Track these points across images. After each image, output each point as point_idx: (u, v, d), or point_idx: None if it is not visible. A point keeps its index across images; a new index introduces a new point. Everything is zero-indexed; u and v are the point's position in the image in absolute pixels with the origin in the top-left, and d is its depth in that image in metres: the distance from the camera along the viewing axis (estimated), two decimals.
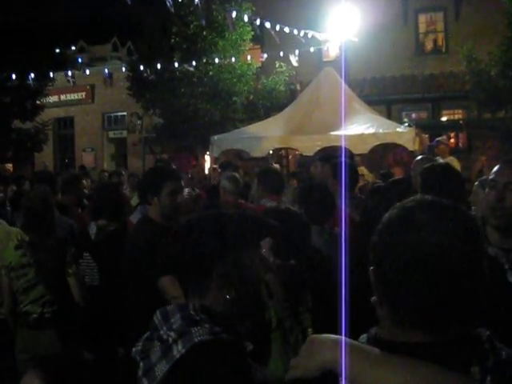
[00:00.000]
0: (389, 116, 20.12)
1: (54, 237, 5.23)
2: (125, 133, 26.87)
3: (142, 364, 1.95)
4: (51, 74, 18.24)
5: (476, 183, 5.18)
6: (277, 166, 19.02)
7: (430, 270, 1.40)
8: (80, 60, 25.27)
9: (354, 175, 6.36)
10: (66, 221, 6.08)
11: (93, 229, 5.36)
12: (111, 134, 27.83)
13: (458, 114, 21.87)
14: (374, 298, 1.55)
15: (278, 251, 3.44)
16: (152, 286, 4.09)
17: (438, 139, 12.68)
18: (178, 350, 1.87)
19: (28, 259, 5.06)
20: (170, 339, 1.91)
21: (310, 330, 3.17)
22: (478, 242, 1.46)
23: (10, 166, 22.20)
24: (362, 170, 14.00)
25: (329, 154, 8.54)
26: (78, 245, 5.49)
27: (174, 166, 10.18)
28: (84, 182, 12.11)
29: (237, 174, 7.21)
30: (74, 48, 35.01)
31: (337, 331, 1.59)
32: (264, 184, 6.19)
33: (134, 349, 2.01)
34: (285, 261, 3.45)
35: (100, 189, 6.38)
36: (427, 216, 1.46)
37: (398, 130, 12.41)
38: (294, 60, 15.96)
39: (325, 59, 20.63)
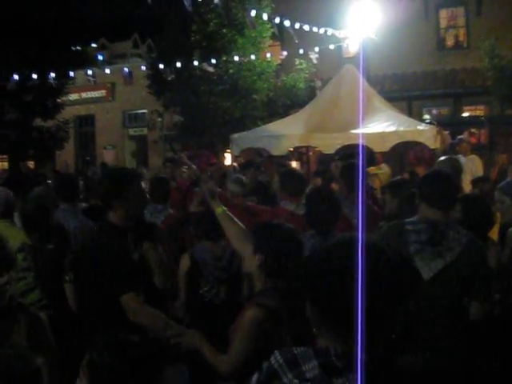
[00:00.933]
0: (410, 112, 20.01)
1: (54, 242, 5.24)
2: (145, 130, 26.99)
3: None
4: (71, 73, 18.30)
5: (498, 190, 5.10)
6: (297, 163, 19.08)
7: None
8: (101, 57, 25.42)
9: (362, 177, 6.22)
10: (88, 223, 6.07)
11: None
12: (132, 132, 27.97)
13: (479, 110, 21.66)
14: None
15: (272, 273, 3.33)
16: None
17: (459, 137, 12.59)
18: None
19: (28, 263, 5.08)
20: None
21: None
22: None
23: (31, 163, 22.41)
24: (385, 169, 13.95)
25: (349, 154, 8.51)
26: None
27: (191, 164, 10.16)
28: None
29: (243, 177, 7.21)
30: (94, 45, 35.24)
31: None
32: (283, 186, 6.16)
33: None
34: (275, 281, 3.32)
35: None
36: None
37: (418, 127, 12.32)
38: (313, 57, 15.91)
39: (345, 56, 20.54)
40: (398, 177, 8.17)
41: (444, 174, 4.17)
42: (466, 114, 21.71)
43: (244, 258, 3.56)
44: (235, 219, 3.91)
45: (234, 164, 14.16)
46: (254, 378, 1.67)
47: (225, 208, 3.94)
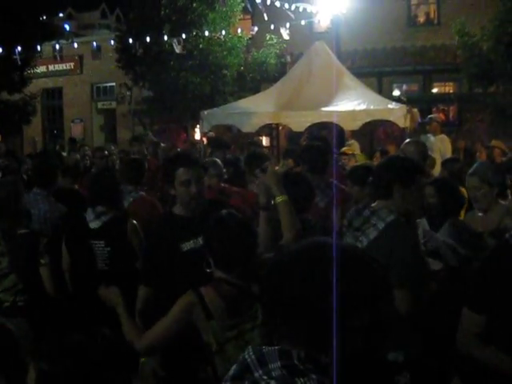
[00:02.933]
0: (380, 88, 20.07)
1: (26, 226, 5.21)
2: (114, 104, 26.67)
3: None
4: (38, 48, 17.95)
5: (475, 176, 5.02)
6: (267, 139, 19.08)
7: None
8: (68, 28, 24.94)
9: (322, 158, 6.21)
10: (59, 208, 6.03)
11: (90, 216, 5.30)
12: (100, 105, 27.62)
13: (448, 87, 21.80)
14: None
15: (219, 263, 3.32)
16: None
17: (430, 116, 12.67)
18: None
19: (2, 248, 5.05)
20: None
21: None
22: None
23: None
24: (354, 144, 14.00)
25: (316, 136, 8.47)
26: (74, 232, 5.43)
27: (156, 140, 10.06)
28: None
29: (217, 159, 7.16)
30: (61, 15, 34.62)
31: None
32: (250, 169, 6.14)
33: None
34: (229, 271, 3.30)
35: (96, 175, 6.30)
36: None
37: (389, 106, 12.35)
38: (284, 33, 15.77)
39: (316, 31, 20.45)
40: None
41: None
42: (435, 91, 21.84)
43: None
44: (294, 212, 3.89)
45: (204, 140, 14.09)
46: (231, 370, 1.73)
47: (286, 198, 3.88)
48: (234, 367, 1.74)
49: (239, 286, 3.25)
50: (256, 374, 1.66)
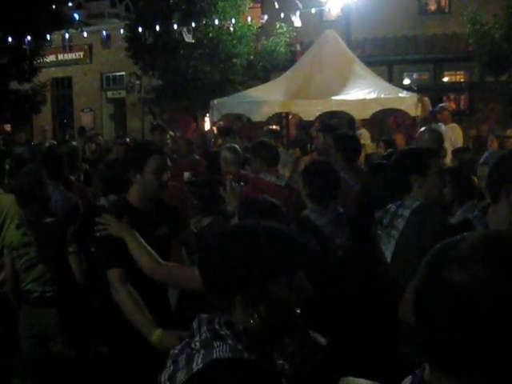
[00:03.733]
0: (390, 77, 19.97)
1: (52, 215, 5.20)
2: (123, 93, 26.64)
3: (171, 367, 1.91)
4: (48, 37, 17.94)
5: (485, 165, 4.93)
6: (277, 127, 19.01)
7: None
8: (77, 17, 24.88)
9: (356, 147, 6.34)
10: (70, 197, 6.03)
11: (104, 205, 5.29)
12: (110, 94, 27.60)
13: (459, 76, 21.68)
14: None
15: None
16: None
17: (441, 105, 12.59)
18: (197, 363, 1.83)
19: (29, 238, 5.06)
20: (195, 350, 1.88)
21: None
22: None
23: (8, 126, 22.10)
24: (364, 133, 13.95)
25: (330, 125, 8.49)
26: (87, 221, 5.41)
27: (170, 131, 10.05)
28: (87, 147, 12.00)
29: (236, 145, 7.11)
30: (70, 4, 34.51)
31: None
32: (261, 157, 6.11)
33: (171, 351, 1.98)
34: None
35: (109, 163, 6.29)
36: None
37: (400, 95, 12.29)
38: (296, 20, 15.69)
39: (326, 19, 20.34)
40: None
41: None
42: (446, 80, 21.71)
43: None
44: None
45: (214, 129, 14.08)
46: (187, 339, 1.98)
47: None
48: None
49: None
50: (196, 338, 1.91)
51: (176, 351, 1.95)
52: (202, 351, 1.85)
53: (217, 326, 1.89)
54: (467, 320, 1.27)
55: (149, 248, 3.55)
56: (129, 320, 3.50)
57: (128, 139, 11.99)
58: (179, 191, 6.31)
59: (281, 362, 2.03)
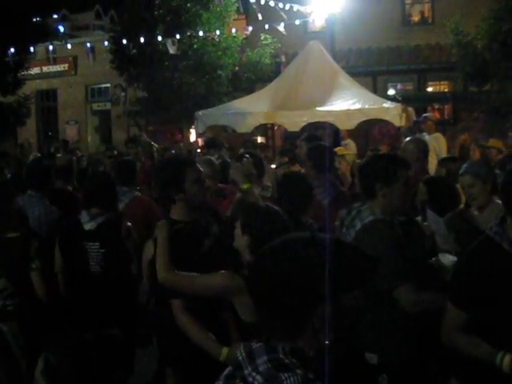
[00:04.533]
0: (374, 87, 20.05)
1: (19, 229, 5.15)
2: (109, 105, 26.58)
3: None
4: (32, 49, 17.89)
5: (467, 175, 4.94)
6: (262, 138, 19.02)
7: None
8: (62, 29, 24.88)
9: (329, 159, 6.22)
10: (53, 211, 6.00)
11: (85, 218, 5.27)
12: (95, 107, 27.54)
13: (443, 86, 21.81)
14: None
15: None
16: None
17: (425, 115, 12.66)
18: None
19: None
20: (256, 383, 1.71)
21: None
22: None
23: None
24: (350, 144, 13.98)
25: (313, 135, 8.48)
26: (68, 233, 5.39)
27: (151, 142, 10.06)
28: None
29: (212, 158, 7.09)
30: (55, 16, 34.52)
31: None
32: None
33: None
34: None
35: (92, 176, 6.28)
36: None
37: (384, 105, 12.34)
38: (281, 28, 15.71)
39: (310, 30, 20.43)
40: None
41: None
42: (430, 90, 21.84)
43: (235, 238, 3.61)
44: None
45: (199, 140, 14.09)
46: (226, 370, 1.82)
47: None
48: (229, 367, 1.82)
49: None
50: (246, 371, 1.73)
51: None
52: None
53: (281, 356, 1.73)
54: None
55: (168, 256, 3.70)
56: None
57: (116, 152, 12.02)
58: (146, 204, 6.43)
59: None
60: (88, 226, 5.19)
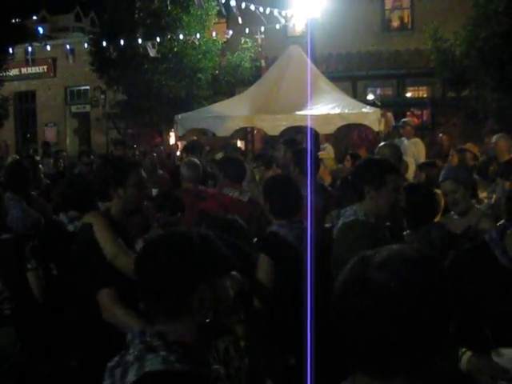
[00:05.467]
0: (354, 92, 20.16)
1: (9, 231, 5.09)
2: (88, 107, 26.44)
3: (108, 381, 1.90)
4: (10, 50, 17.77)
5: (448, 180, 4.93)
6: (242, 142, 19.02)
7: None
8: (41, 30, 24.72)
9: (314, 162, 6.31)
10: (32, 213, 5.95)
11: (63, 221, 5.23)
12: (74, 109, 27.38)
13: (422, 91, 21.99)
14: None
15: None
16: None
17: (403, 120, 12.72)
18: (131, 376, 1.84)
19: None
20: (129, 363, 1.88)
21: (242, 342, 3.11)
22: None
23: None
24: (329, 148, 14.01)
25: (293, 139, 8.51)
26: (46, 236, 5.32)
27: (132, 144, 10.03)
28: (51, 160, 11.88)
29: (196, 160, 7.08)
30: (35, 18, 34.25)
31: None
32: (225, 173, 6.10)
33: (108, 364, 1.95)
34: None
35: (69, 179, 6.22)
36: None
37: (363, 110, 12.40)
38: (259, 37, 15.81)
39: (290, 35, 20.50)
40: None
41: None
42: (409, 95, 22.00)
43: None
44: None
45: (178, 143, 14.06)
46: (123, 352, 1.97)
47: None
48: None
49: None
50: (130, 350, 1.92)
51: (113, 363, 1.94)
52: (136, 364, 1.85)
53: (148, 338, 1.90)
54: (393, 318, 1.38)
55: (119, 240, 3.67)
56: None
57: (92, 156, 11.93)
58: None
59: (216, 366, 2.04)
60: (71, 229, 5.14)
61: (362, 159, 5.36)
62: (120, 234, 3.85)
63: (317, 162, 6.47)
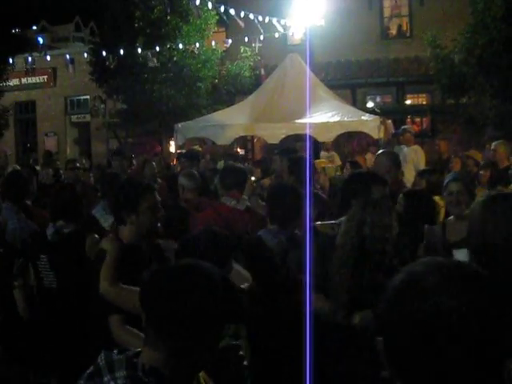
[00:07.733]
0: (354, 100, 20.19)
1: (4, 244, 5.08)
2: (88, 117, 26.45)
3: None
4: (11, 60, 17.81)
5: (458, 181, 4.90)
6: (242, 150, 19.05)
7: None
8: (41, 40, 24.75)
9: (310, 171, 6.32)
10: (30, 225, 5.89)
11: (50, 230, 5.20)
12: (74, 118, 27.39)
13: (421, 99, 22.01)
14: (385, 373, 1.47)
15: None
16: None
17: (403, 127, 12.72)
18: None
19: None
20: None
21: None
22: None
23: None
24: (335, 157, 14.03)
25: (288, 148, 8.51)
26: (33, 247, 5.30)
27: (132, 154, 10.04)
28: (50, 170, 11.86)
29: (194, 171, 7.08)
30: (35, 28, 34.29)
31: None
32: (224, 182, 6.09)
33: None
34: None
35: (58, 188, 6.18)
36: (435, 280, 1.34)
37: (362, 118, 12.42)
38: (257, 46, 15.83)
39: (290, 43, 20.54)
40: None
41: None
42: (408, 102, 22.02)
43: None
44: None
45: (179, 151, 14.06)
46: (88, 370, 1.88)
47: None
48: (90, 368, 1.88)
49: None
50: (105, 379, 1.80)
51: None
52: None
53: (140, 373, 1.81)
54: (440, 349, 1.29)
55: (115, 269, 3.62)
56: None
57: (86, 164, 11.94)
58: None
59: None
60: (54, 238, 5.12)
61: (350, 174, 5.43)
62: (131, 260, 3.79)
63: (312, 170, 6.48)
